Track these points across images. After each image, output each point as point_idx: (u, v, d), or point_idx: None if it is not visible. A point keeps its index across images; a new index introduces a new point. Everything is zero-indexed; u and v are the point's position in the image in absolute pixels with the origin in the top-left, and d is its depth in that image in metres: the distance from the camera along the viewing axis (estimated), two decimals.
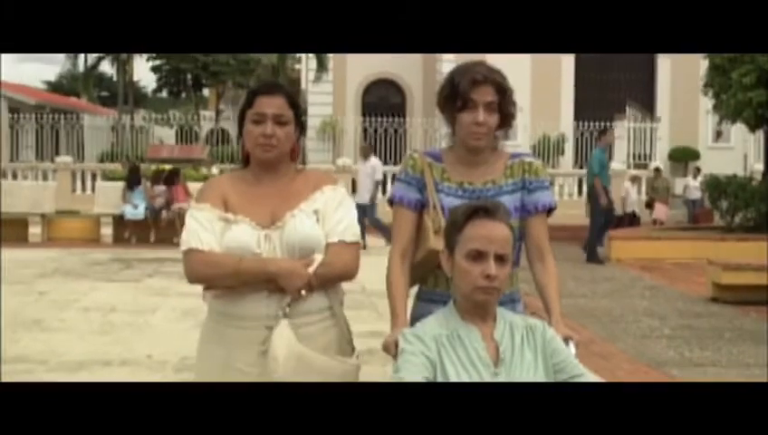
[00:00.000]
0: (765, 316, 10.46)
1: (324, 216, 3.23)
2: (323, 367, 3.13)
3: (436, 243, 3.14)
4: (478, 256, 2.79)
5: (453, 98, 3.22)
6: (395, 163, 26.92)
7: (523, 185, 3.33)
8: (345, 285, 11.06)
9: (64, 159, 26.49)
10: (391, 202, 3.39)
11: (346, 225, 3.24)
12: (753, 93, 15.17)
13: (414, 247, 3.31)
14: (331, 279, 3.24)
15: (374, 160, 17.99)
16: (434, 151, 3.42)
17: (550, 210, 3.37)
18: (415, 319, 3.17)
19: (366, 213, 16.38)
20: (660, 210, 23.50)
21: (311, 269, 3.14)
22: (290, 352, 3.08)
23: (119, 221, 18.26)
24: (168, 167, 20.17)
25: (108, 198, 18.97)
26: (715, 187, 17.82)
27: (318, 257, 3.17)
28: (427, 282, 3.35)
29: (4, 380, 6.84)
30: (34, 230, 18.51)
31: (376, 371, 7.16)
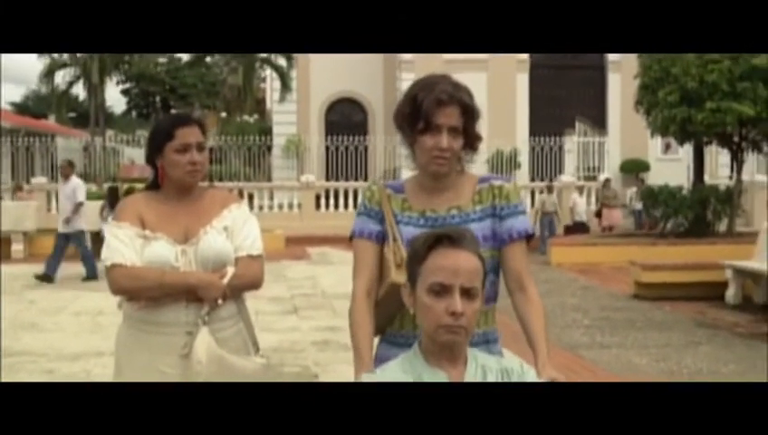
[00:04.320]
0: (677, 309, 11.87)
1: (233, 232, 3.51)
2: (238, 367, 3.44)
3: (399, 276, 2.87)
4: (442, 290, 2.45)
5: (414, 117, 2.93)
6: (356, 180, 28.16)
7: (493, 212, 3.02)
8: (308, 289, 12.68)
9: (40, 179, 27.52)
10: (351, 238, 3.12)
11: (252, 240, 3.54)
12: (676, 110, 16.50)
13: (379, 283, 3.03)
14: (242, 289, 3.53)
15: (75, 181, 16.15)
16: (395, 183, 3.16)
17: (528, 237, 3.05)
18: (376, 361, 2.93)
19: (69, 240, 15.85)
20: (612, 216, 24.52)
21: (225, 280, 3.41)
22: (211, 356, 3.35)
23: (96, 238, 19.35)
24: (139, 186, 21.30)
25: (85, 216, 20.09)
26: (649, 196, 19.19)
27: (230, 270, 3.44)
28: (393, 323, 3.03)
29: (13, 370, 8.12)
30: (17, 247, 19.67)
31: (330, 357, 8.49)
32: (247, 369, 3.49)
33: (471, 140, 2.99)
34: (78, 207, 15.87)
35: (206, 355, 3.35)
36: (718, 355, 8.89)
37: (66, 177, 15.95)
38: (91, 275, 15.50)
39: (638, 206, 25.14)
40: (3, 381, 7.69)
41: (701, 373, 8.10)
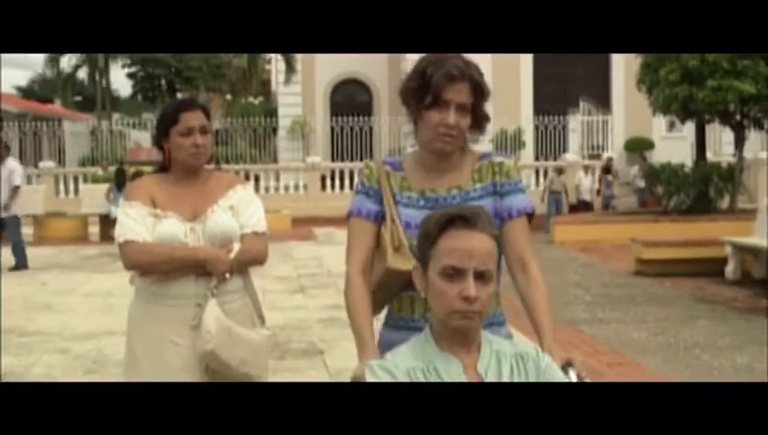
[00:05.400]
0: (678, 285, 12.07)
1: (238, 211, 3.74)
2: (245, 337, 3.67)
3: (396, 261, 2.83)
4: (455, 273, 2.36)
5: (422, 92, 2.80)
6: (361, 160, 28.30)
7: (493, 189, 2.92)
8: (314, 269, 12.89)
9: (47, 164, 27.77)
10: (348, 217, 2.99)
11: (257, 218, 3.77)
12: (678, 89, 16.66)
13: (372, 264, 2.92)
14: (247, 263, 3.77)
15: (12, 163, 14.82)
16: (394, 160, 3.03)
17: (528, 215, 2.93)
18: (380, 347, 2.81)
19: (5, 226, 14.46)
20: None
21: (231, 256, 3.64)
22: (220, 327, 3.55)
23: (104, 220, 19.59)
24: (147, 169, 21.49)
25: (93, 199, 20.39)
26: (651, 174, 19.35)
27: (236, 246, 3.66)
28: (393, 306, 2.94)
29: (28, 349, 8.35)
30: (27, 231, 19.81)
31: (335, 334, 8.68)
32: (253, 339, 3.71)
33: (479, 120, 2.88)
34: (15, 190, 14.63)
35: (215, 326, 3.54)
36: (715, 329, 9.09)
37: (1, 159, 14.56)
38: (21, 265, 14.60)
39: (641, 184, 25.34)
40: (18, 358, 7.94)
41: (698, 346, 8.29)
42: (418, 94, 2.81)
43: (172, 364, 3.60)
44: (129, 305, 3.79)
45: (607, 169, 25.01)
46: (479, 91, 2.83)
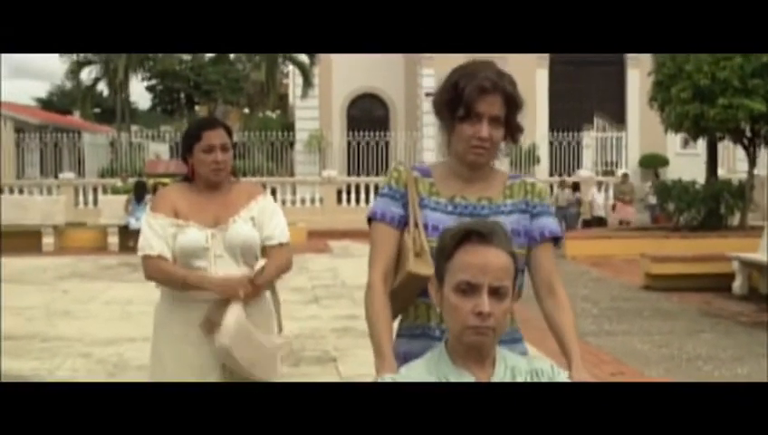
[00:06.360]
0: (685, 299, 12.27)
1: (261, 222, 3.98)
2: (260, 342, 3.89)
3: (417, 266, 2.81)
4: (469, 289, 2.35)
5: (454, 104, 2.82)
6: (377, 175, 28.59)
7: (525, 208, 2.93)
8: (328, 280, 13.12)
9: (67, 175, 28.22)
10: (370, 219, 2.97)
11: (281, 229, 4.04)
12: (689, 107, 16.90)
13: (395, 270, 2.90)
14: (279, 274, 4.04)
15: None
16: (422, 167, 3.04)
17: (556, 240, 2.98)
18: (398, 358, 2.77)
19: None
20: (624, 211, 24.93)
21: (257, 267, 3.86)
22: (240, 326, 3.77)
23: (123, 231, 19.93)
24: (166, 181, 21.84)
25: (113, 210, 20.76)
26: (663, 190, 19.55)
27: (261, 261, 3.89)
28: (408, 314, 2.93)
29: (51, 353, 8.64)
30: (47, 240, 20.28)
31: (349, 343, 8.94)
32: (264, 346, 3.94)
33: (512, 131, 2.89)
34: None
35: (234, 325, 3.76)
36: (718, 342, 9.31)
37: None
38: None
39: (653, 200, 25.46)
40: (41, 362, 8.23)
41: (700, 358, 8.52)
42: (451, 106, 2.83)
43: (194, 362, 3.86)
44: (155, 307, 4.05)
45: (575, 187, 25.06)
46: (512, 103, 2.84)
